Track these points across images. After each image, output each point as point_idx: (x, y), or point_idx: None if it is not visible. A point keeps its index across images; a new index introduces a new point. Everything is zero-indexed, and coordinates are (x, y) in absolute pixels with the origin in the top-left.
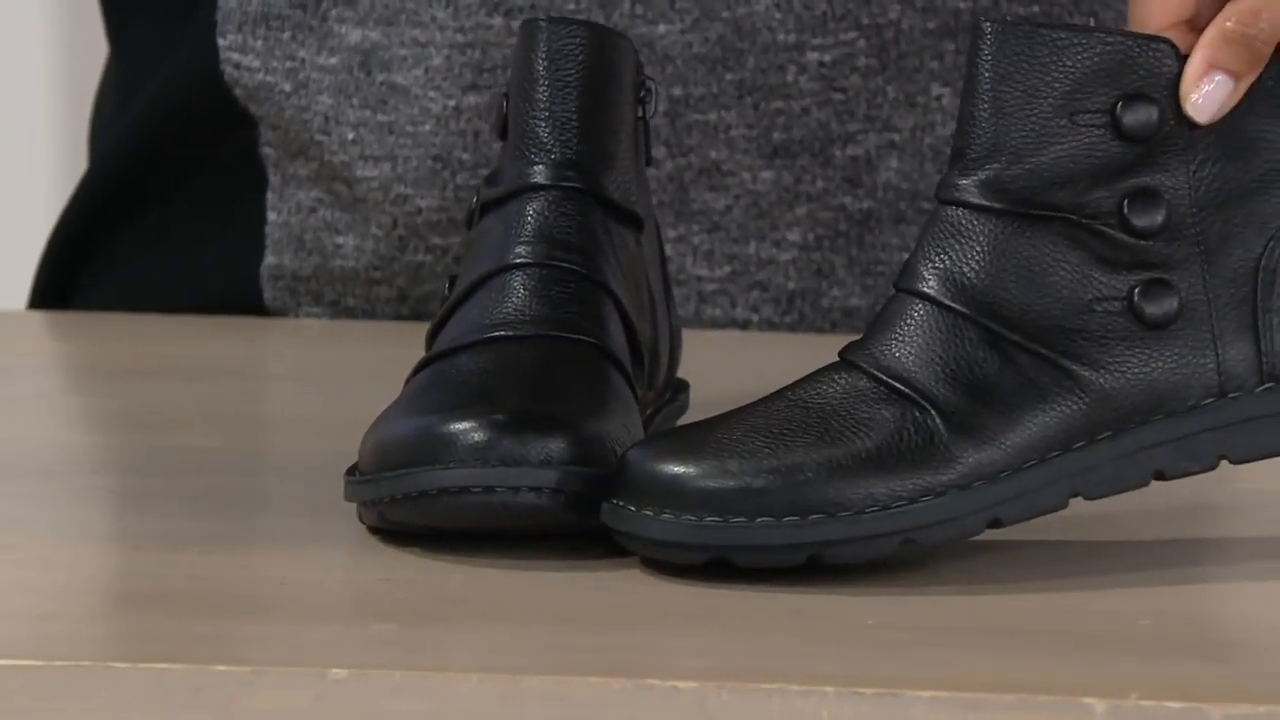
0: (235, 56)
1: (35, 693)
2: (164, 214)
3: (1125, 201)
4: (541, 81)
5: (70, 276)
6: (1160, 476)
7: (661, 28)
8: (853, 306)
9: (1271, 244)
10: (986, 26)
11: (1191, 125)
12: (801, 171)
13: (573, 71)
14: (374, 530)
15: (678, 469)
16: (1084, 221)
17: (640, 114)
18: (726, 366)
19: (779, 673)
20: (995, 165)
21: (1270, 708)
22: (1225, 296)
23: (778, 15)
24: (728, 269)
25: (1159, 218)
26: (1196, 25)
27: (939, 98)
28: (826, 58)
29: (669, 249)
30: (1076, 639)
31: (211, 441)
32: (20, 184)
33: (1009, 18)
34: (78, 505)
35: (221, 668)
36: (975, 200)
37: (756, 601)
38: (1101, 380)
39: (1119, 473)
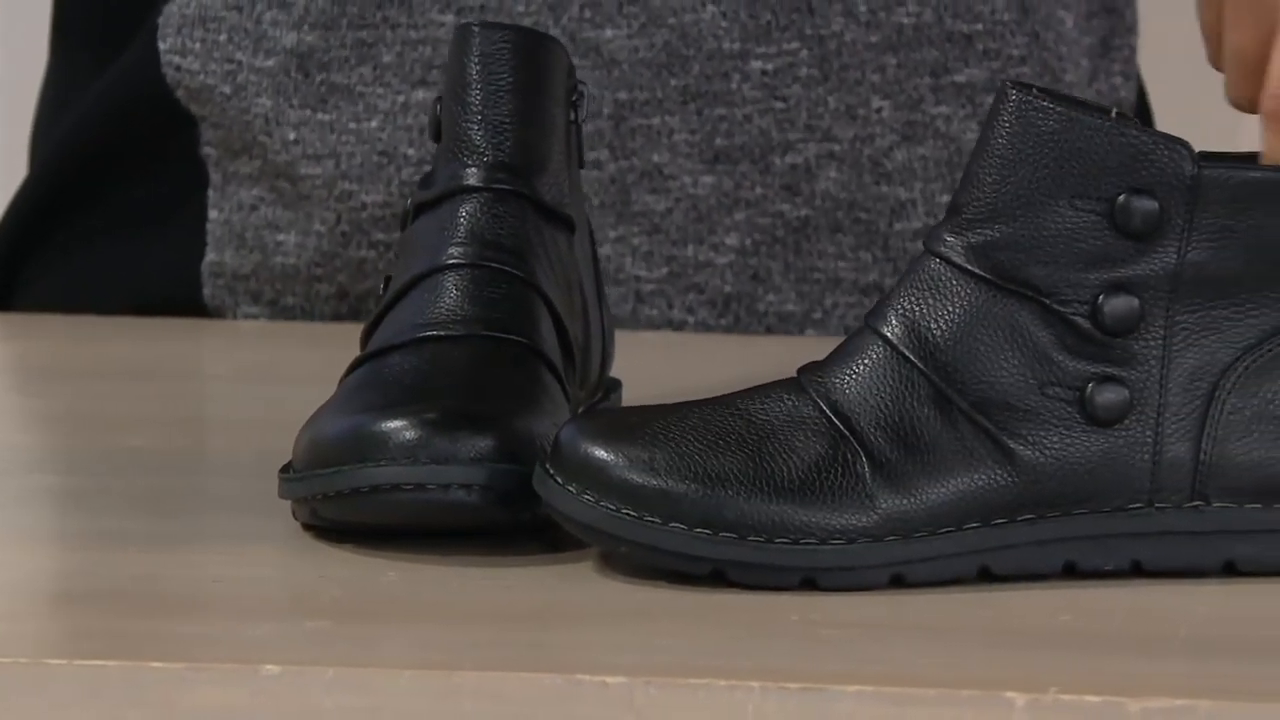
0: (175, 59)
1: None
2: (106, 213)
3: (1102, 295)
4: (474, 85)
5: (13, 274)
6: (1071, 568)
7: (609, 32)
8: (787, 312)
9: (1239, 363)
10: (1011, 93)
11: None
12: (741, 178)
13: (505, 76)
14: (308, 528)
15: (607, 455)
16: (1056, 307)
17: (572, 118)
18: (660, 367)
19: (706, 668)
20: (986, 232)
21: (1187, 701)
22: (1177, 399)
23: (723, 23)
24: (666, 270)
25: (1132, 316)
26: None
27: (879, 110)
28: (769, 66)
29: (609, 249)
30: (997, 635)
31: (149, 441)
32: None
33: (1035, 88)
34: (16, 505)
35: (158, 664)
36: (958, 260)
37: (685, 599)
38: (1036, 463)
39: (1032, 557)
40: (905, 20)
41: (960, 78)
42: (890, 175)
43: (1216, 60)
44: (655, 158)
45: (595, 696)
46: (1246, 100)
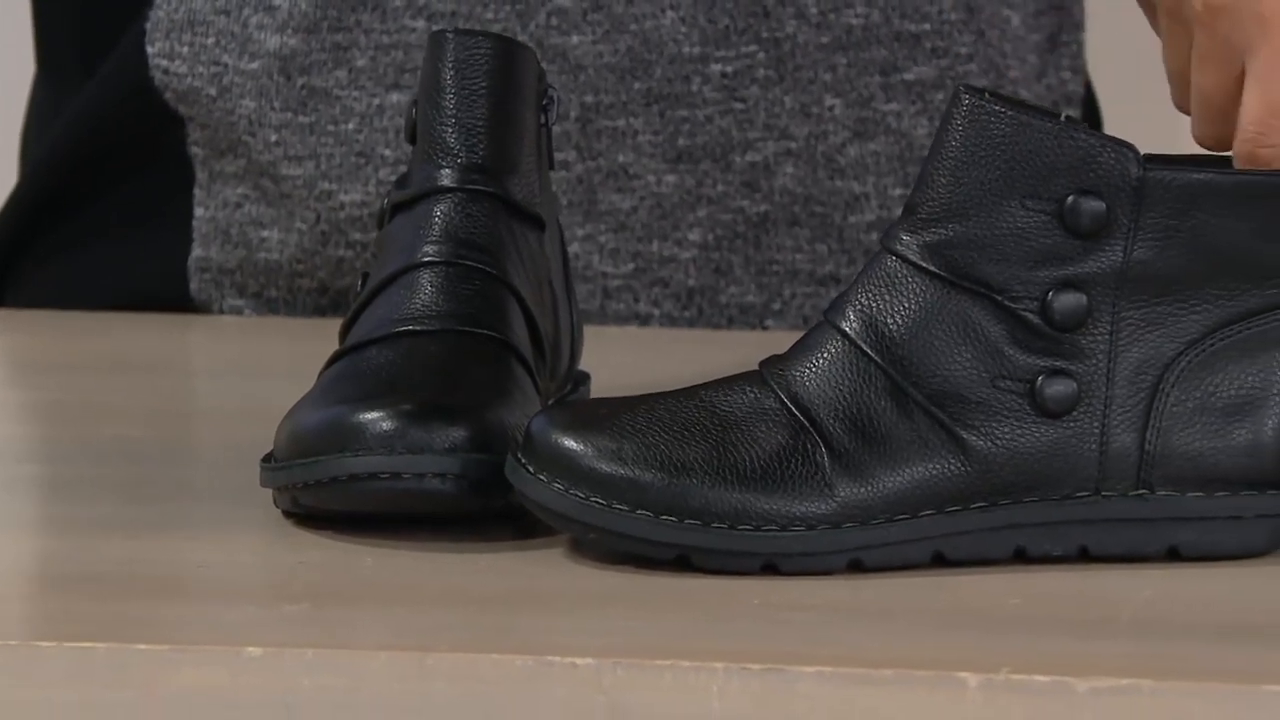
0: (164, 63)
1: None
2: (98, 211)
3: (1051, 291)
4: (449, 90)
5: (6, 272)
6: (1021, 553)
7: (574, 38)
8: (748, 303)
9: (1182, 357)
10: (964, 98)
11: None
12: (703, 176)
13: (479, 81)
14: (288, 515)
15: (577, 445)
16: (1007, 304)
17: (543, 121)
18: (626, 361)
19: (672, 650)
20: (940, 231)
21: (1132, 680)
22: (1123, 392)
23: (683, 29)
24: (631, 266)
25: (1080, 312)
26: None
27: (831, 108)
28: (728, 69)
29: (577, 247)
30: (951, 617)
31: (136, 432)
32: None
33: (987, 92)
34: (6, 492)
35: (143, 646)
36: (913, 258)
37: (651, 584)
38: (988, 453)
39: (984, 543)
40: (854, 21)
41: (909, 75)
42: (844, 170)
43: (1183, 103)
44: (621, 158)
45: (565, 677)
46: (1213, 140)
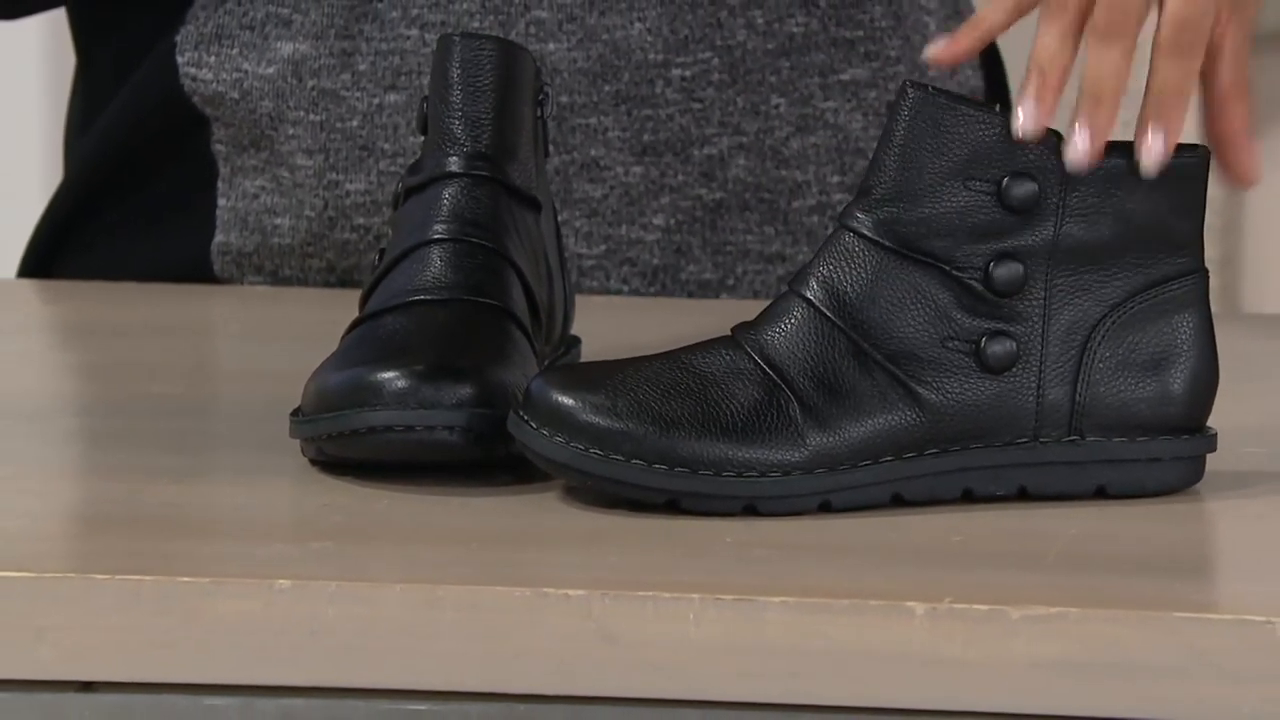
0: (192, 70)
1: (30, 599)
2: (132, 203)
3: (992, 262)
4: (456, 87)
5: (52, 257)
6: (969, 494)
7: (551, 46)
8: (705, 280)
9: (1107, 319)
10: (910, 92)
11: (1066, 183)
12: (665, 167)
13: (482, 78)
14: (314, 463)
15: (575, 402)
16: (954, 273)
17: (539, 114)
18: (608, 327)
19: (654, 583)
20: (891, 209)
21: (1060, 609)
22: (1056, 350)
23: (648, 38)
24: (603, 248)
25: (1017, 280)
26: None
27: (777, 106)
28: (687, 73)
29: None
30: (901, 553)
31: (175, 389)
32: (13, 177)
33: (931, 87)
34: (63, 443)
35: (186, 579)
36: (868, 233)
37: (636, 524)
38: (939, 405)
39: (936, 485)
40: (796, 29)
41: (845, 76)
42: (788, 161)
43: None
44: (592, 152)
45: (559, 607)
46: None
